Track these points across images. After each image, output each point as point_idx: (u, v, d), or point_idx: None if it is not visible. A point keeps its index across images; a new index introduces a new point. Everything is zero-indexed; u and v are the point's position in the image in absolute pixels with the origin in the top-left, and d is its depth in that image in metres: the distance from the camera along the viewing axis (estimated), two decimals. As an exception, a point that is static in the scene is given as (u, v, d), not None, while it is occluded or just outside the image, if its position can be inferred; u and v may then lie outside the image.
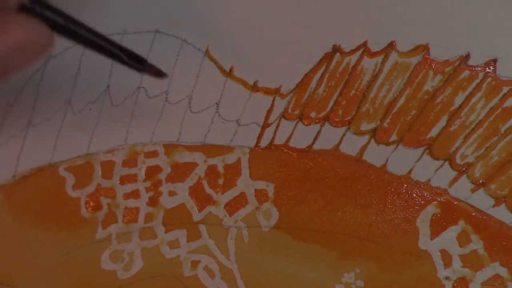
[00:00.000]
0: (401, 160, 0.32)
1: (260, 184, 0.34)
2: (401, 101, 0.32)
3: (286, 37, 0.33)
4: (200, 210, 0.34)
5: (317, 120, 0.33)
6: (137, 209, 0.35)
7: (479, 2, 0.31)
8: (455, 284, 0.31)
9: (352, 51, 0.32)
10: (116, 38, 0.35)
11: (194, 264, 0.34)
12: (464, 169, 0.31)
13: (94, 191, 0.36)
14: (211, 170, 0.34)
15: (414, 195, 0.32)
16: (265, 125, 0.34)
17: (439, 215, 0.32)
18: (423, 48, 0.32)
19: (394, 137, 0.32)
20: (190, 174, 0.35)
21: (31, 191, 0.36)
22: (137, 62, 0.31)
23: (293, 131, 0.33)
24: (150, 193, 0.35)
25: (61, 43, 0.36)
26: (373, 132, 0.32)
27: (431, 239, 0.31)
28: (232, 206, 0.34)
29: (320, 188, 0.33)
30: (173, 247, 0.34)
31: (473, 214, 0.31)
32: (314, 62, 0.33)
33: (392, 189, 0.32)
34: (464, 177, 0.31)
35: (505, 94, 0.31)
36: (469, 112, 0.31)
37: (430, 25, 0.31)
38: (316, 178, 0.33)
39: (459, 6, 0.31)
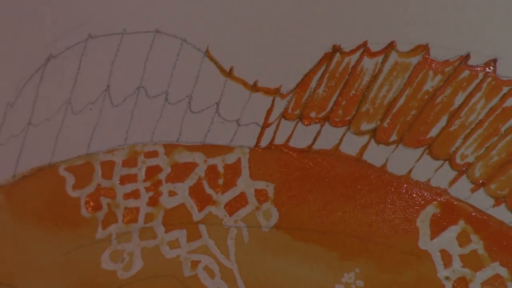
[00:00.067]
0: (401, 160, 0.32)
1: (260, 184, 0.34)
2: (401, 101, 0.32)
3: (286, 37, 0.33)
4: (200, 210, 0.34)
5: (317, 120, 0.33)
6: (137, 209, 0.35)
7: (479, 2, 0.31)
8: (455, 284, 0.31)
9: (352, 51, 0.32)
10: (116, 38, 0.35)
11: (194, 264, 0.34)
12: (464, 169, 0.31)
13: (94, 191, 0.36)
14: (211, 170, 0.34)
15: (414, 195, 0.32)
16: (265, 125, 0.34)
17: (439, 215, 0.32)
18: (423, 48, 0.32)
19: (394, 137, 0.32)
20: (190, 174, 0.35)
21: (31, 191, 0.36)
22: None
23: (293, 131, 0.33)
24: (150, 193, 0.35)
25: (61, 43, 0.36)
26: (373, 132, 0.32)
27: (431, 239, 0.31)
28: (232, 206, 0.34)
29: (320, 188, 0.33)
30: (173, 247, 0.34)
31: (473, 214, 0.31)
32: (314, 62, 0.33)
33: (392, 189, 0.32)
34: (464, 177, 0.31)
35: (505, 94, 0.31)
36: (469, 112, 0.31)
37: (430, 25, 0.31)
38: (316, 178, 0.33)
39: (459, 6, 0.31)
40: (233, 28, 0.34)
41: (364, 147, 0.32)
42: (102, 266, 0.35)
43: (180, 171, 0.35)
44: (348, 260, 0.32)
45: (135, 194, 0.35)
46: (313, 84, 0.33)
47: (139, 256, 0.35)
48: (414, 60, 0.32)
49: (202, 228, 0.34)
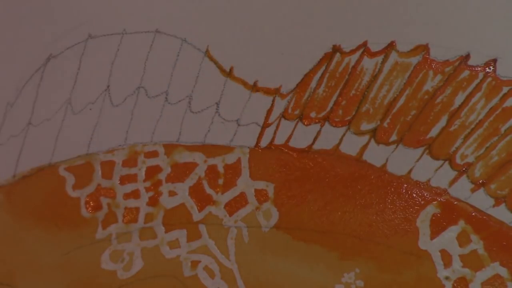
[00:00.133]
0: (401, 160, 0.32)
1: (260, 184, 0.34)
2: (401, 101, 0.32)
3: (286, 37, 0.33)
4: (200, 210, 0.34)
5: (317, 120, 0.33)
6: (137, 209, 0.35)
7: (479, 2, 0.31)
8: (455, 284, 0.31)
9: (352, 51, 0.32)
10: (116, 38, 0.35)
11: (194, 264, 0.34)
12: (464, 169, 0.31)
13: (94, 191, 0.36)
14: (211, 170, 0.34)
15: (414, 195, 0.32)
16: (265, 125, 0.34)
17: (439, 215, 0.32)
18: (423, 48, 0.32)
19: (394, 137, 0.32)
20: (190, 174, 0.35)
21: (31, 191, 0.36)
22: None
23: (293, 131, 0.33)
24: (150, 193, 0.35)
25: (61, 43, 0.36)
26: (373, 132, 0.32)
27: (431, 239, 0.31)
28: (232, 206, 0.34)
29: (320, 188, 0.33)
30: (173, 247, 0.34)
31: (473, 214, 0.31)
32: (314, 62, 0.33)
33: (392, 189, 0.32)
34: (464, 177, 0.31)
35: (505, 94, 0.31)
36: (469, 112, 0.31)
37: (430, 25, 0.31)
38: (316, 178, 0.33)
39: (459, 6, 0.31)
40: (233, 28, 0.34)
41: (364, 147, 0.32)
42: (102, 266, 0.35)
43: (180, 171, 0.35)
44: (348, 260, 0.32)
45: (135, 194, 0.35)
46: (313, 84, 0.33)
47: (139, 256, 0.35)
48: (414, 60, 0.32)
49: (202, 228, 0.34)
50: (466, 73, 0.31)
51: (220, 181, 0.34)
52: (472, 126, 0.31)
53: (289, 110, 0.33)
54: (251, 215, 0.34)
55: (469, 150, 0.31)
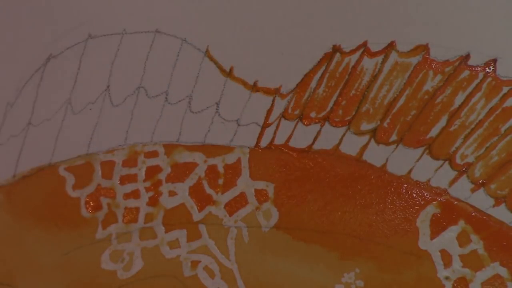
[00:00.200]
0: (401, 160, 0.32)
1: (260, 184, 0.34)
2: (401, 101, 0.32)
3: (286, 37, 0.33)
4: (200, 210, 0.34)
5: (317, 120, 0.33)
6: (137, 209, 0.35)
7: (479, 2, 0.31)
8: (455, 284, 0.31)
9: (352, 51, 0.32)
10: (116, 38, 0.35)
11: (194, 264, 0.34)
12: (464, 169, 0.31)
13: (94, 191, 0.36)
14: (211, 170, 0.34)
15: (414, 195, 0.32)
16: (265, 125, 0.34)
17: (439, 215, 0.32)
18: (423, 48, 0.32)
19: (394, 137, 0.32)
20: (190, 174, 0.35)
21: (31, 191, 0.36)
22: None
23: (293, 131, 0.33)
24: (150, 193, 0.35)
25: (61, 43, 0.36)
26: (373, 132, 0.32)
27: (431, 239, 0.31)
28: (232, 206, 0.34)
29: (320, 188, 0.33)
30: (173, 247, 0.34)
31: (473, 214, 0.31)
32: (314, 62, 0.33)
33: (392, 189, 0.32)
34: (464, 177, 0.31)
35: (505, 94, 0.31)
36: (469, 112, 0.31)
37: (430, 25, 0.31)
38: (316, 178, 0.33)
39: (459, 6, 0.31)
40: (233, 28, 0.34)
41: (364, 147, 0.32)
42: (102, 266, 0.35)
43: (180, 171, 0.35)
44: (348, 260, 0.32)
45: (135, 194, 0.35)
46: (313, 84, 0.33)
47: (139, 256, 0.35)
48: (414, 60, 0.32)
49: (202, 228, 0.34)
50: (466, 73, 0.31)
51: (220, 181, 0.34)
52: (472, 126, 0.31)
53: (289, 110, 0.33)
54: (251, 215, 0.34)
55: (469, 150, 0.31)
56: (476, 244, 0.31)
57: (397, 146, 0.32)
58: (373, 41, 0.32)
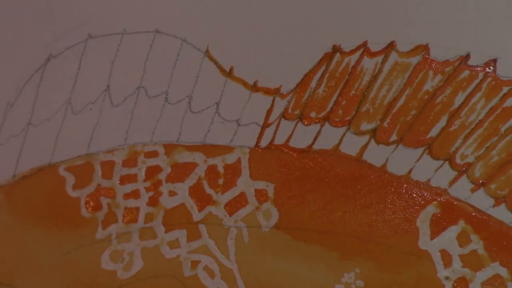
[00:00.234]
0: (401, 160, 0.32)
1: (260, 184, 0.34)
2: (401, 101, 0.32)
3: (286, 37, 0.33)
4: (200, 210, 0.34)
5: (317, 120, 0.33)
6: (137, 209, 0.35)
7: (479, 2, 0.31)
8: (455, 284, 0.31)
9: (352, 51, 0.32)
10: (116, 38, 0.35)
11: (194, 264, 0.34)
12: (464, 169, 0.31)
13: (94, 191, 0.36)
14: (211, 170, 0.34)
15: (414, 195, 0.32)
16: (265, 125, 0.34)
17: (439, 215, 0.32)
18: (423, 48, 0.32)
19: (394, 137, 0.32)
20: (190, 174, 0.35)
21: (31, 191, 0.36)
22: None
23: (293, 131, 0.33)
24: (150, 193, 0.35)
25: (61, 43, 0.36)
26: (373, 132, 0.32)
27: (431, 239, 0.31)
28: (232, 206, 0.34)
29: (320, 188, 0.33)
30: (173, 247, 0.34)
31: (473, 214, 0.31)
32: (314, 62, 0.33)
33: (392, 189, 0.32)
34: (464, 177, 0.31)
35: (505, 94, 0.31)
36: (469, 112, 0.31)
37: (430, 25, 0.31)
38: (316, 178, 0.33)
39: (459, 6, 0.31)
40: (233, 28, 0.34)
41: (364, 147, 0.32)
42: (102, 266, 0.35)
43: (180, 171, 0.35)
44: (348, 260, 0.32)
45: (135, 194, 0.35)
46: (313, 84, 0.33)
47: (139, 256, 0.35)
48: (414, 60, 0.32)
49: (202, 228, 0.34)
50: (466, 73, 0.31)
51: (220, 181, 0.34)
52: (472, 126, 0.31)
53: (289, 110, 0.33)
54: (251, 215, 0.34)
55: (469, 150, 0.31)
56: (476, 244, 0.31)
57: (397, 146, 0.32)
58: (373, 41, 0.32)
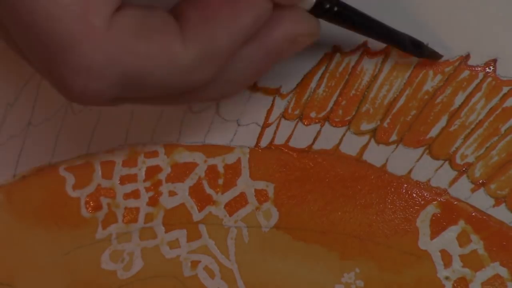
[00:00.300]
0: (401, 160, 0.32)
1: (260, 184, 0.34)
2: (401, 101, 0.32)
3: (286, 37, 0.33)
4: (200, 210, 0.34)
5: (317, 120, 0.33)
6: (137, 209, 0.35)
7: (479, 2, 0.31)
8: (455, 284, 0.31)
9: (352, 51, 0.32)
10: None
11: (194, 264, 0.34)
12: (464, 169, 0.31)
13: (94, 191, 0.36)
14: (211, 170, 0.34)
15: (414, 195, 0.32)
16: (265, 125, 0.34)
17: (439, 215, 0.32)
18: (423, 48, 0.31)
19: (394, 137, 0.32)
20: (190, 174, 0.35)
21: (31, 191, 0.36)
22: (415, 47, 0.30)
23: (293, 131, 0.33)
24: (150, 193, 0.35)
25: (61, 43, 0.36)
26: (373, 132, 0.32)
27: (431, 239, 0.31)
28: (232, 206, 0.34)
29: (320, 188, 0.33)
30: (173, 247, 0.34)
31: (473, 214, 0.31)
32: (314, 62, 0.33)
33: (392, 189, 0.32)
34: (464, 177, 0.31)
35: (505, 94, 0.31)
36: (469, 112, 0.31)
37: (430, 25, 0.31)
38: (316, 178, 0.33)
39: (459, 6, 0.31)
40: (233, 28, 0.34)
41: (364, 147, 0.32)
42: (102, 266, 0.35)
43: (180, 171, 0.35)
44: (348, 260, 0.32)
45: (135, 194, 0.35)
46: (313, 84, 0.33)
47: (139, 256, 0.35)
48: (414, 60, 0.32)
49: (202, 228, 0.34)
50: (466, 73, 0.31)
51: (220, 181, 0.34)
52: (472, 126, 0.31)
53: (289, 110, 0.33)
54: (251, 215, 0.34)
55: (469, 150, 0.31)
56: (476, 244, 0.31)
57: (397, 146, 0.32)
58: (373, 41, 0.32)
